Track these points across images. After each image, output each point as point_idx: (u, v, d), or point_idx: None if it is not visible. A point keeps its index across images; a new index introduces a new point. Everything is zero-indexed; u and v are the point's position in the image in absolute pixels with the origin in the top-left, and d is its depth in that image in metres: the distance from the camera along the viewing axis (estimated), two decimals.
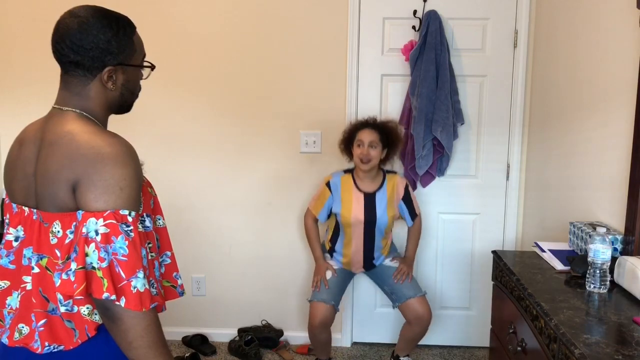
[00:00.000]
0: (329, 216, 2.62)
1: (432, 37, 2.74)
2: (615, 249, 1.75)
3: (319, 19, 2.91)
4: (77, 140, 1.05)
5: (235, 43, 2.96)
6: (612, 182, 1.94)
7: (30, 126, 1.17)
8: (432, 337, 3.11)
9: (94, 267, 0.99)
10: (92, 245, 0.99)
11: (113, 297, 0.99)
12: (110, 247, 1.00)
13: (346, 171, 2.61)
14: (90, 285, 1.00)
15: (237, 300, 3.13)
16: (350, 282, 2.75)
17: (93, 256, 0.99)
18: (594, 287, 1.59)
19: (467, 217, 3.01)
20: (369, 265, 2.63)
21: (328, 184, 2.57)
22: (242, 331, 3.05)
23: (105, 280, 0.99)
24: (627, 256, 1.63)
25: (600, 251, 1.55)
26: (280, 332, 3.07)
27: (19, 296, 1.11)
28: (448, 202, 3.00)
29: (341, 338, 3.12)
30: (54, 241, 1.06)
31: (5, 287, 1.14)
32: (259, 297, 3.13)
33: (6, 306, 1.14)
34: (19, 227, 1.12)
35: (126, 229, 1.01)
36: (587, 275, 1.61)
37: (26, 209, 1.11)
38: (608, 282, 1.59)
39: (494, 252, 2.08)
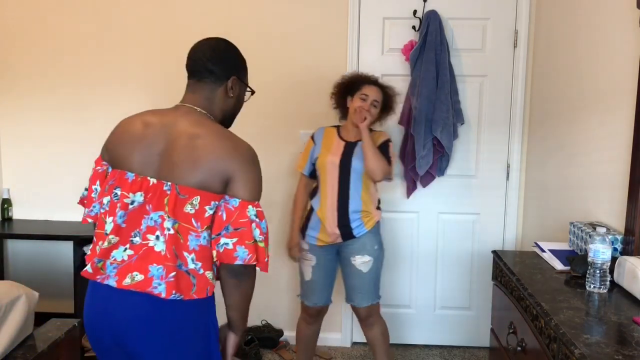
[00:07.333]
0: (313, 171, 2.49)
1: (432, 37, 2.74)
2: (615, 249, 1.75)
3: (319, 19, 2.91)
4: (228, 138, 1.35)
5: (234, 43, 2.95)
6: (612, 182, 1.94)
7: (153, 114, 1.40)
8: (432, 337, 3.11)
9: (256, 241, 1.32)
10: (253, 225, 1.32)
11: (268, 259, 1.36)
12: (261, 226, 1.34)
13: (331, 126, 2.55)
14: (257, 254, 1.33)
15: None
16: (336, 269, 2.52)
17: (256, 233, 1.32)
18: (594, 287, 1.58)
19: (467, 217, 3.01)
20: (345, 229, 2.37)
21: (313, 136, 2.52)
22: None
23: (266, 249, 1.34)
24: (627, 256, 1.62)
25: (600, 251, 1.55)
26: (280, 332, 3.07)
27: (127, 250, 1.32)
28: (448, 202, 3.00)
29: (341, 338, 3.12)
30: (192, 211, 1.31)
31: (114, 242, 1.33)
32: (259, 297, 3.12)
33: (110, 257, 1.33)
34: (139, 193, 1.32)
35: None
36: (587, 275, 1.61)
37: (152, 179, 1.32)
38: (608, 282, 1.58)
39: (494, 252, 2.08)
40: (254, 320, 3.14)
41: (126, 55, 3.02)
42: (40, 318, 2.10)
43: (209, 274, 1.35)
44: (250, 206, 1.32)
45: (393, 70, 2.92)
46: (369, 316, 2.46)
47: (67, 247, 3.15)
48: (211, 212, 1.32)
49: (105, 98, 3.05)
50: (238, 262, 1.30)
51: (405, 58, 2.87)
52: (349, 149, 2.41)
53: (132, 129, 1.38)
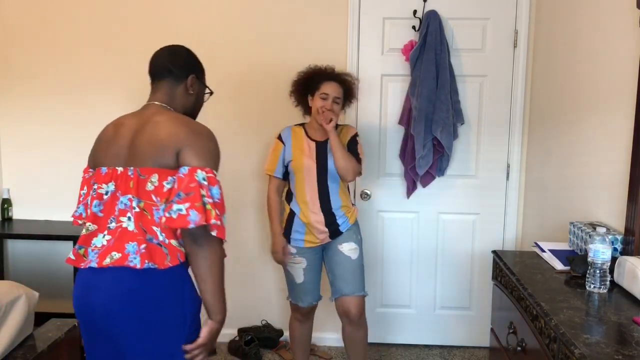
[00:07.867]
0: (285, 173, 2.47)
1: (432, 37, 2.74)
2: (615, 249, 1.75)
3: (319, 19, 2.91)
4: (182, 119, 1.48)
5: (234, 43, 2.96)
6: (611, 182, 1.94)
7: (126, 116, 1.55)
8: (432, 337, 3.11)
9: (204, 204, 1.37)
10: (202, 189, 1.37)
11: (218, 222, 1.38)
12: (211, 191, 1.39)
13: (296, 125, 2.51)
14: (206, 217, 1.36)
15: (237, 300, 3.13)
16: (321, 267, 2.53)
17: (204, 196, 1.37)
18: (594, 287, 1.58)
19: (467, 217, 3.01)
20: (333, 226, 2.40)
21: (280, 137, 2.47)
22: (242, 331, 3.05)
23: (213, 211, 1.37)
24: (627, 256, 1.63)
25: (600, 251, 1.55)
26: (280, 332, 3.07)
27: (105, 236, 1.44)
28: (448, 202, 3.00)
29: (340, 338, 3.11)
30: (151, 188, 1.42)
31: (93, 230, 1.46)
32: (259, 297, 3.13)
33: (91, 245, 1.45)
34: (110, 183, 1.46)
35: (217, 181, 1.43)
36: (587, 275, 1.61)
37: (119, 168, 1.46)
38: (608, 282, 1.58)
39: (493, 252, 2.08)
40: (254, 320, 3.14)
41: (126, 55, 3.02)
42: (40, 318, 2.10)
43: (173, 242, 1.44)
44: (199, 170, 1.39)
45: (393, 70, 2.92)
46: (360, 314, 2.43)
47: (67, 247, 3.15)
48: (169, 186, 1.43)
49: (105, 98, 3.05)
50: (191, 225, 1.35)
51: (405, 58, 2.87)
52: (322, 149, 2.40)
53: (107, 132, 1.55)
